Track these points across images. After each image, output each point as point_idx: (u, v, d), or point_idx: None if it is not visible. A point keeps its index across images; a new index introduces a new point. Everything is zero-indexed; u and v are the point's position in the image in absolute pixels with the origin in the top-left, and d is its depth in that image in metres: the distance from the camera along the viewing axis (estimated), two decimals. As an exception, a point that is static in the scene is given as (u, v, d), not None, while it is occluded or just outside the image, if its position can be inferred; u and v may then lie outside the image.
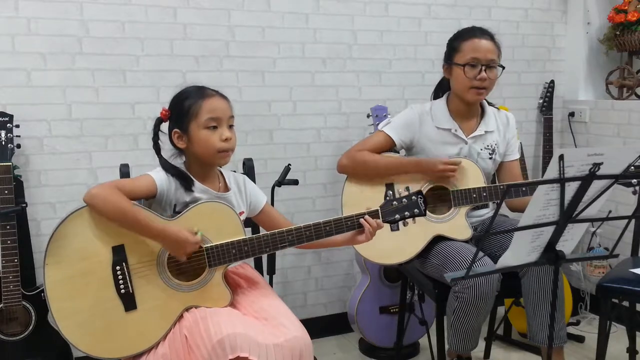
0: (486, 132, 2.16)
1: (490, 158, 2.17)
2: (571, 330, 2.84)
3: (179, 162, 1.73)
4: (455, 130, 2.13)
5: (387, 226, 1.73)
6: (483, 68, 2.04)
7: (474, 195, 2.06)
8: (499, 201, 2.11)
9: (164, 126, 1.73)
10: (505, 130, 2.22)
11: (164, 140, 1.73)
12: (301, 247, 1.73)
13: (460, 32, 2.13)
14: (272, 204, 2.34)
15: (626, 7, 2.96)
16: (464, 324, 1.96)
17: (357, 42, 2.81)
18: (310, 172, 2.81)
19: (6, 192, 2.12)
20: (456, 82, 2.11)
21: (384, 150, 2.15)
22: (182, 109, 1.66)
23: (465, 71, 2.05)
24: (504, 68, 2.11)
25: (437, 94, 2.28)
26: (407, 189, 1.72)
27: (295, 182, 2.40)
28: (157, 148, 1.73)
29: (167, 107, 1.71)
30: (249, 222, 1.89)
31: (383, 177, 2.11)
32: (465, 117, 2.16)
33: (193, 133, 1.65)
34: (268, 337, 1.52)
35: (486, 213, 2.23)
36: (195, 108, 1.64)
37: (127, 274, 1.58)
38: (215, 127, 1.65)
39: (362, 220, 1.69)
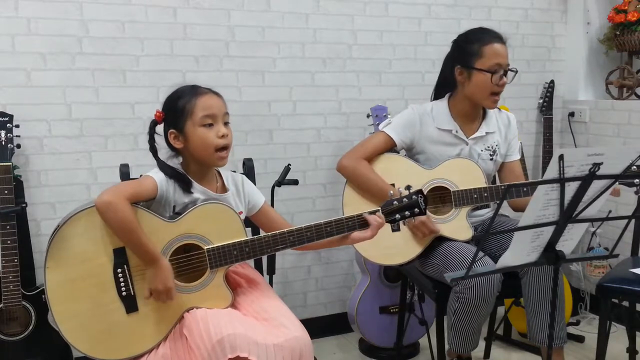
0: (487, 133, 2.16)
1: (491, 159, 2.17)
2: (571, 330, 2.84)
3: (175, 163, 1.73)
4: (456, 132, 2.13)
5: (387, 226, 1.73)
6: (504, 74, 2.04)
7: (475, 196, 2.06)
8: (499, 201, 2.11)
9: (160, 128, 1.73)
10: (507, 130, 2.22)
11: (160, 142, 1.73)
12: (301, 248, 1.73)
13: (476, 35, 2.07)
14: (272, 204, 2.34)
15: (626, 7, 2.96)
16: (464, 324, 1.96)
17: (357, 42, 2.81)
18: (310, 172, 2.81)
19: (6, 192, 2.12)
20: (476, 88, 2.06)
21: (384, 151, 2.14)
22: (177, 109, 1.65)
23: (492, 78, 2.01)
24: (516, 72, 2.07)
25: (437, 95, 2.27)
26: (408, 188, 1.72)
27: (295, 182, 2.40)
28: (153, 150, 1.72)
29: (160, 109, 1.70)
30: (249, 222, 1.89)
31: (373, 195, 2.08)
32: (466, 119, 2.16)
33: (189, 132, 1.65)
34: (268, 337, 1.52)
35: (487, 213, 2.23)
36: (190, 106, 1.64)
37: (128, 276, 1.58)
38: (211, 125, 1.65)
39: (367, 217, 1.68)
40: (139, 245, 1.55)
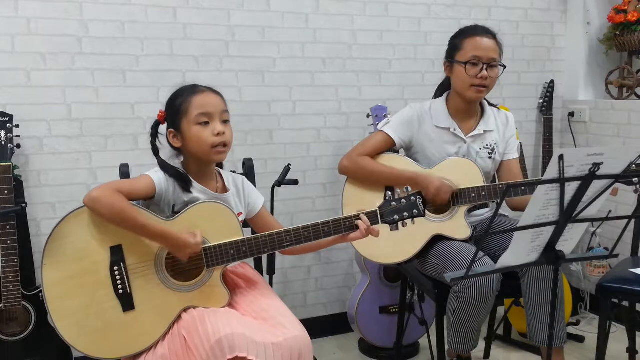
0: (485, 131, 2.16)
1: (490, 157, 2.17)
2: (571, 330, 2.84)
3: (177, 162, 1.73)
4: (454, 130, 2.13)
5: (386, 226, 1.73)
6: (484, 67, 2.04)
7: (473, 195, 2.06)
8: (498, 201, 2.11)
9: (163, 128, 1.73)
10: (505, 129, 2.22)
11: (164, 142, 1.74)
12: (296, 251, 1.72)
13: (462, 30, 2.13)
14: (272, 204, 2.34)
15: (626, 7, 2.96)
16: (464, 324, 1.96)
17: (357, 42, 2.81)
18: (310, 172, 2.81)
19: (6, 192, 2.12)
20: (457, 80, 2.11)
21: (384, 150, 2.15)
22: (174, 108, 1.67)
23: (466, 69, 2.05)
24: (505, 67, 2.11)
25: (437, 93, 2.27)
26: (407, 189, 1.72)
27: (295, 182, 2.40)
28: (155, 150, 1.73)
29: (163, 109, 1.71)
30: (247, 223, 1.89)
31: (380, 185, 2.10)
32: (464, 117, 2.16)
33: (185, 130, 1.65)
34: (267, 336, 1.52)
35: (486, 212, 2.23)
36: (186, 105, 1.65)
37: (125, 274, 1.58)
38: (207, 123, 1.65)
39: (358, 221, 1.68)
40: (140, 226, 1.55)
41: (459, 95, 2.13)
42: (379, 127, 2.22)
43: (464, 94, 2.10)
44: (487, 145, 2.17)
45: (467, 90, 2.08)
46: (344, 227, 1.68)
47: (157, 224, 1.57)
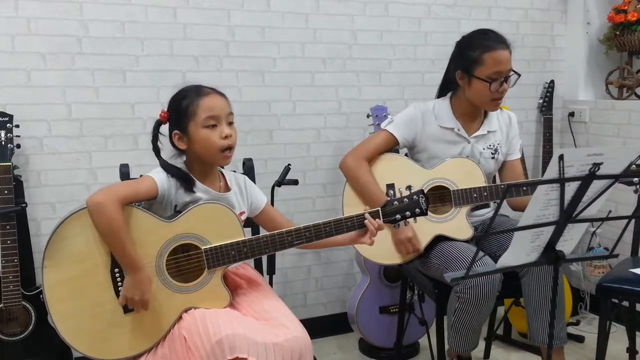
0: (489, 131, 2.16)
1: (493, 158, 2.17)
2: (571, 330, 2.84)
3: (179, 162, 1.73)
4: (458, 130, 2.13)
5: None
6: (504, 80, 2.03)
7: (475, 195, 2.06)
8: (499, 201, 2.11)
9: (164, 128, 1.73)
10: (508, 129, 2.22)
11: (164, 142, 1.73)
12: (303, 247, 1.72)
13: (478, 41, 2.04)
14: (272, 204, 2.34)
15: (626, 7, 2.96)
16: (464, 324, 1.96)
17: (357, 42, 2.81)
18: (310, 172, 2.81)
19: (6, 192, 2.12)
20: (476, 94, 2.06)
21: (387, 149, 2.14)
22: (180, 110, 1.65)
23: (491, 87, 2.01)
24: (519, 75, 2.08)
25: (441, 93, 2.26)
26: (409, 188, 1.72)
27: (295, 182, 2.40)
28: (156, 150, 1.72)
29: (165, 109, 1.70)
30: (248, 223, 1.89)
31: (366, 202, 2.07)
32: (468, 117, 2.16)
33: (193, 133, 1.65)
34: (267, 336, 1.52)
35: (487, 213, 2.23)
36: (193, 107, 1.63)
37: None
38: (214, 126, 1.64)
39: (366, 221, 1.68)
40: (122, 250, 1.54)
41: (471, 104, 2.11)
42: (382, 126, 2.21)
43: (483, 107, 2.10)
44: (490, 145, 2.17)
45: (487, 104, 2.07)
46: (346, 227, 1.68)
47: (137, 257, 1.55)
